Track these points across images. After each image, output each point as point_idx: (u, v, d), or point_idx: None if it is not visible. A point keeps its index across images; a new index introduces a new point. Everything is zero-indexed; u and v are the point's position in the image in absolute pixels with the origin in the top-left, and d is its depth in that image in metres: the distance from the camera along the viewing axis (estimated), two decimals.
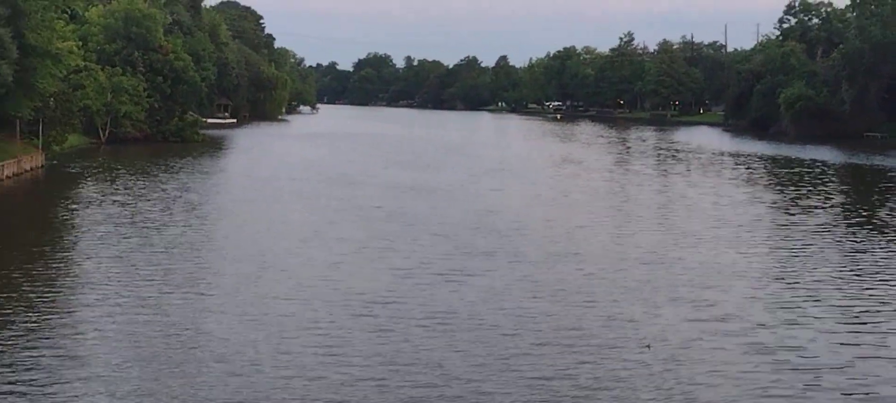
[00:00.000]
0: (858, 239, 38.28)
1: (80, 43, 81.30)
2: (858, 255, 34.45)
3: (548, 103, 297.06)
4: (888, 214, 46.55)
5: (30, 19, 58.51)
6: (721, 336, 22.78)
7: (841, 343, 22.43)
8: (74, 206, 45.58)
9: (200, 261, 31.37)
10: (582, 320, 24.09)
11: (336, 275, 29.07)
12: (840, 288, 28.56)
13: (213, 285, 27.52)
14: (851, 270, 31.58)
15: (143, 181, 56.68)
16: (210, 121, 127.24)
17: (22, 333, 21.82)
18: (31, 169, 61.75)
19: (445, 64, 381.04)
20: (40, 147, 66.80)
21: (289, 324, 23.10)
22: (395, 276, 29.09)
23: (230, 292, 26.48)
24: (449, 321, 23.67)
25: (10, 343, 21.03)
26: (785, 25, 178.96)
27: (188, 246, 34.02)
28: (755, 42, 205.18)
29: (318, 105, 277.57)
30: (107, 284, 27.19)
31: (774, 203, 51.72)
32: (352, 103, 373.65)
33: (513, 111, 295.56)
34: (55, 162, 66.92)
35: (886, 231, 40.86)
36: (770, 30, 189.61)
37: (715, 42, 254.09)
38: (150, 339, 21.49)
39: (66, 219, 41.84)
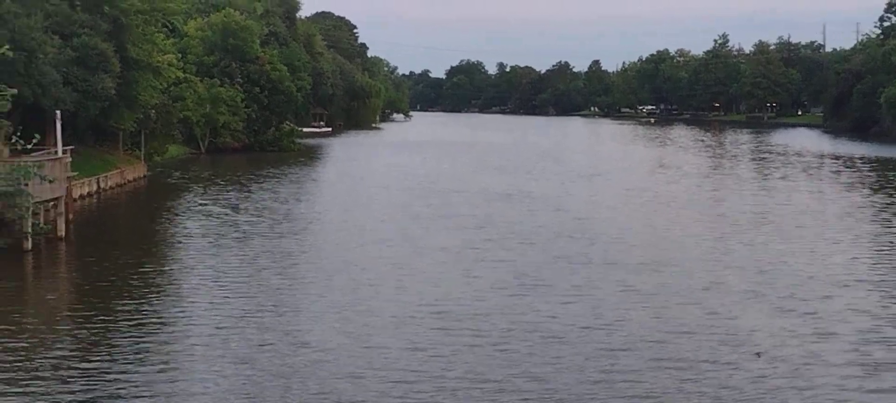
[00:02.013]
0: None
1: (180, 55, 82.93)
2: None
3: (641, 107, 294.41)
4: None
5: (131, 33, 59.84)
6: (843, 352, 21.80)
7: None
8: (174, 217, 46.37)
9: (296, 272, 31.53)
10: (690, 332, 23.31)
11: (432, 287, 28.83)
12: None
13: (309, 296, 27.54)
14: None
15: (241, 191, 57.48)
16: (306, 130, 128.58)
17: (122, 346, 22.05)
18: (134, 179, 63.08)
19: (537, 69, 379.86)
20: (142, 158, 68.26)
21: (385, 336, 22.90)
22: (491, 287, 28.74)
23: (326, 303, 26.42)
24: (549, 333, 23.21)
25: (111, 356, 21.25)
26: (886, 23, 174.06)
27: (285, 257, 34.26)
28: (855, 41, 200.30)
29: (412, 113, 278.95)
30: (205, 296, 27.41)
31: (884, 208, 50.12)
32: (444, 110, 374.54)
33: (605, 116, 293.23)
34: (154, 172, 68.28)
35: None
36: (870, 28, 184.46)
37: (813, 42, 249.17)
38: (248, 352, 21.51)
39: (167, 230, 42.58)
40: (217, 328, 23.60)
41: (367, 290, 28.24)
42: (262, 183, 63.14)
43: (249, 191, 57.21)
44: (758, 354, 21.39)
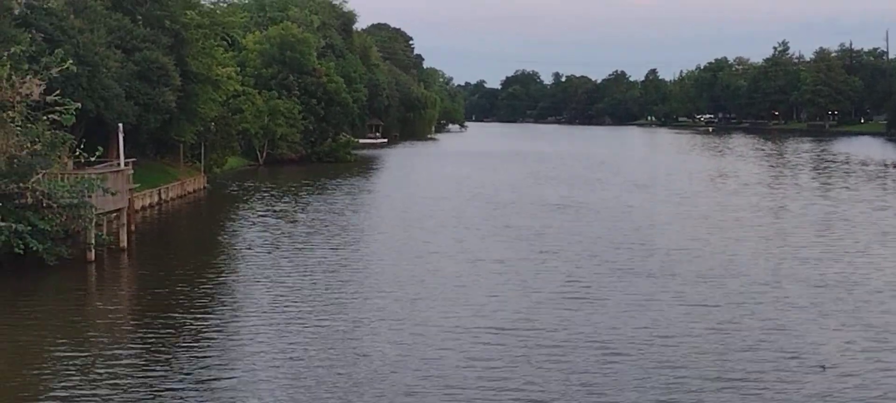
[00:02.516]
0: None
1: (239, 68, 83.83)
2: None
3: (698, 116, 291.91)
4: None
5: (191, 47, 60.64)
6: None
7: None
8: (234, 228, 46.79)
9: (353, 284, 31.50)
10: (752, 347, 22.90)
11: (488, 298, 28.62)
12: None
13: (366, 308, 27.50)
14: None
15: (299, 202, 57.87)
16: (362, 141, 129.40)
17: (182, 357, 22.20)
18: (194, 190, 63.83)
19: (593, 79, 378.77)
20: (202, 169, 69.03)
21: (442, 348, 22.78)
22: (548, 298, 28.54)
23: (383, 315, 26.37)
24: (608, 346, 22.95)
25: (171, 367, 21.41)
26: None
27: (342, 268, 34.34)
28: None
29: (467, 123, 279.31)
30: (263, 308, 27.55)
31: None
32: (500, 120, 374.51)
33: (662, 125, 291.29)
34: (214, 183, 69.00)
35: None
36: None
37: (875, 49, 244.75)
38: (306, 364, 21.55)
39: (226, 241, 42.94)
40: (275, 340, 23.71)
41: (424, 302, 28.23)
42: (319, 194, 63.55)
43: (307, 202, 57.59)
44: (823, 367, 21.03)
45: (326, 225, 46.65)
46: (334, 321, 25.90)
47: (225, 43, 75.81)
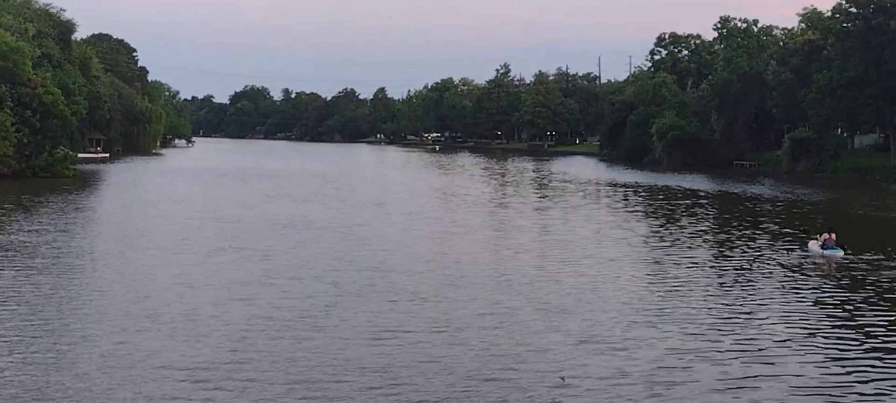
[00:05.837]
0: (756, 272, 38.40)
1: None
2: (757, 289, 34.57)
3: (426, 134, 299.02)
4: (766, 242, 47.15)
5: None
6: (635, 379, 21.88)
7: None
8: None
9: (68, 311, 29.11)
10: (496, 368, 22.86)
11: (222, 329, 27.17)
12: (733, 329, 28.45)
13: (80, 338, 25.50)
14: (748, 305, 31.56)
15: (7, 221, 53.84)
16: (82, 155, 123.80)
17: None
18: None
19: (323, 96, 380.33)
20: None
21: (166, 385, 21.50)
22: (283, 325, 27.45)
23: (104, 348, 24.56)
24: (351, 381, 22.28)
25: None
26: (656, 57, 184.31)
27: (54, 294, 31.64)
28: (628, 73, 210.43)
29: (194, 138, 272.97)
30: None
31: (668, 236, 51.88)
32: (228, 136, 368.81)
33: (391, 143, 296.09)
34: None
35: (764, 259, 41.29)
36: (642, 61, 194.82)
37: (589, 73, 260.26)
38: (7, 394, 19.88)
39: None
40: None
41: (150, 333, 26.49)
42: (31, 212, 59.37)
43: (16, 221, 53.59)
44: (562, 379, 21.45)
45: (38, 247, 43.52)
46: (43, 351, 23.78)
47: None
